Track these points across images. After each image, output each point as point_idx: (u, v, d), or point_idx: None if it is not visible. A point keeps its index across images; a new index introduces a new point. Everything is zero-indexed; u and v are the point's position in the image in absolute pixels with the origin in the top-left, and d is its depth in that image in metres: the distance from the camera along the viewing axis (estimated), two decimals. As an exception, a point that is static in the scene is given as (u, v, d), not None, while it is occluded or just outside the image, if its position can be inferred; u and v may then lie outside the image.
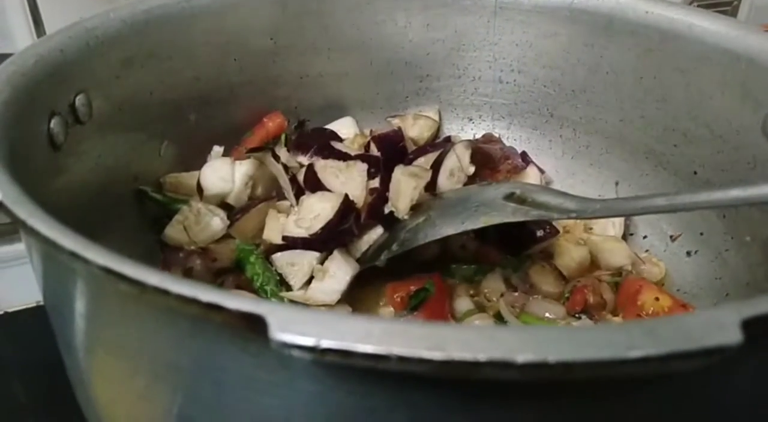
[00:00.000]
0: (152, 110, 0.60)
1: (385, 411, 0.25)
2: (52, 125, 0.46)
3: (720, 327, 0.21)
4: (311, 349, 0.20)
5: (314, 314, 0.21)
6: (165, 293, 0.22)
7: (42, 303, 0.40)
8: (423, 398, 0.24)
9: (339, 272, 0.52)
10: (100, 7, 0.61)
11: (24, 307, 0.70)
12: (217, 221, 0.57)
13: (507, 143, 0.75)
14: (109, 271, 0.23)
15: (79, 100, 0.50)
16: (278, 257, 0.55)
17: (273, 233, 0.55)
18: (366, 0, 0.70)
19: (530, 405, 0.23)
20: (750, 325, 0.21)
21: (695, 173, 0.61)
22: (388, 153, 0.62)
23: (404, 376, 0.22)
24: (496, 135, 0.75)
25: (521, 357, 0.19)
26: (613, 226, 0.65)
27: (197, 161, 0.65)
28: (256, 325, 0.21)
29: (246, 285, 0.55)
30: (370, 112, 0.75)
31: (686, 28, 0.60)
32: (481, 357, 0.20)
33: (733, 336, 0.21)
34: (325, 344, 0.20)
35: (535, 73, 0.71)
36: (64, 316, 0.35)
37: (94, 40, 0.51)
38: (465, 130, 0.77)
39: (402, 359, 0.20)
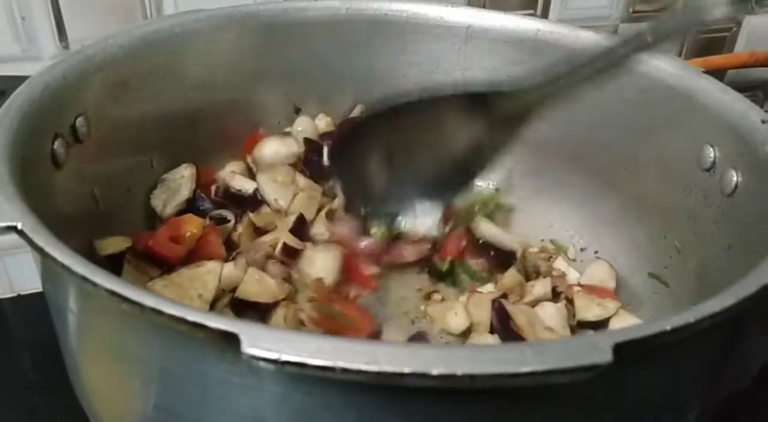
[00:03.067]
0: (145, 127, 0.65)
1: (338, 409, 0.31)
2: (55, 146, 0.51)
3: (596, 349, 0.27)
4: (274, 361, 0.26)
5: (279, 334, 0.27)
6: (160, 313, 0.28)
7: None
8: (366, 399, 0.30)
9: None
10: (118, 16, 0.67)
11: (36, 290, 0.74)
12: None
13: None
14: (114, 293, 0.29)
15: (79, 121, 0.55)
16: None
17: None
18: (347, 26, 0.75)
19: (446, 407, 0.29)
20: (621, 348, 0.27)
21: (640, 198, 0.67)
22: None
23: (350, 382, 0.28)
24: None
25: (435, 370, 0.25)
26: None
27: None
28: (231, 341, 0.27)
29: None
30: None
31: (636, 64, 0.66)
32: (405, 369, 0.25)
33: (605, 356, 0.27)
34: (285, 357, 0.26)
35: (501, 98, 0.77)
36: (64, 319, 0.40)
37: (94, 67, 0.56)
38: (438, 146, 0.83)
39: (345, 370, 0.26)
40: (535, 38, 0.72)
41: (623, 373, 0.28)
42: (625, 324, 0.58)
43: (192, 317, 0.28)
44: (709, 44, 1.01)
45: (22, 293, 0.76)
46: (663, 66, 0.64)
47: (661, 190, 0.65)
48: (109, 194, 0.60)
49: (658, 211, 0.66)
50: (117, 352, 0.36)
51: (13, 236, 0.35)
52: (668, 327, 0.29)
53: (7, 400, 0.63)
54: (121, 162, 0.62)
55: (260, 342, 0.26)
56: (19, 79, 0.51)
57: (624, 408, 0.32)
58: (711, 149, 0.58)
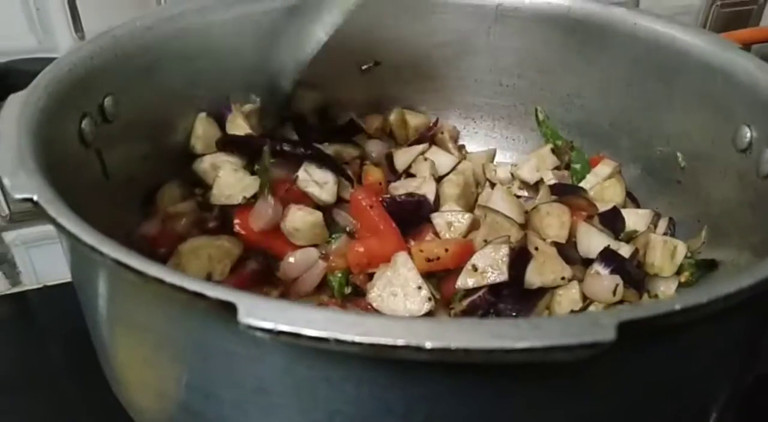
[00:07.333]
0: (173, 107, 0.66)
1: (338, 382, 0.31)
2: (83, 125, 0.52)
3: (598, 326, 0.26)
4: (269, 331, 0.26)
5: (275, 304, 0.27)
6: (161, 281, 0.29)
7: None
8: (366, 373, 0.30)
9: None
10: (134, 6, 0.67)
11: (62, 281, 0.77)
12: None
13: (506, 142, 0.80)
14: (118, 263, 0.30)
15: (108, 102, 0.56)
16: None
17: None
18: (371, 5, 0.74)
19: (445, 382, 0.29)
20: (625, 326, 0.26)
21: (671, 178, 0.65)
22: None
23: (349, 355, 0.28)
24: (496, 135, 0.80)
25: (429, 343, 0.25)
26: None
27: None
28: (229, 310, 0.27)
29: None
30: (375, 109, 0.80)
31: (669, 41, 0.64)
32: (399, 342, 0.25)
33: (608, 334, 0.26)
34: (280, 327, 0.26)
35: (532, 78, 0.75)
36: (89, 295, 0.41)
37: (121, 49, 0.57)
38: (467, 129, 0.82)
39: (338, 341, 0.26)
40: (567, 16, 0.70)
41: (628, 354, 0.27)
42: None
43: (192, 286, 0.28)
44: (733, 18, 0.97)
45: (48, 284, 0.78)
46: (697, 41, 0.62)
47: (695, 172, 0.63)
48: (133, 170, 0.61)
49: (692, 194, 0.64)
50: (130, 322, 0.37)
51: (38, 229, 0.36)
52: (677, 307, 0.28)
53: (36, 389, 0.65)
54: (147, 139, 0.63)
55: (257, 312, 0.27)
56: (45, 61, 0.53)
57: (628, 392, 0.31)
58: (747, 129, 0.56)
